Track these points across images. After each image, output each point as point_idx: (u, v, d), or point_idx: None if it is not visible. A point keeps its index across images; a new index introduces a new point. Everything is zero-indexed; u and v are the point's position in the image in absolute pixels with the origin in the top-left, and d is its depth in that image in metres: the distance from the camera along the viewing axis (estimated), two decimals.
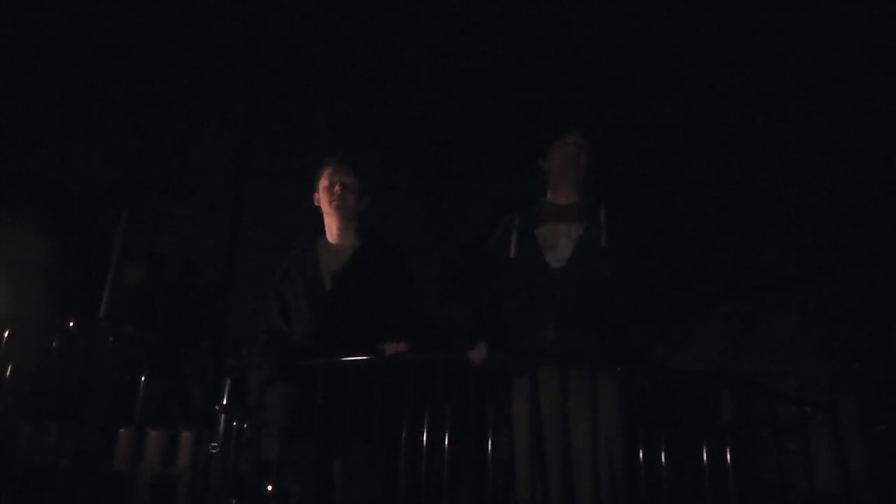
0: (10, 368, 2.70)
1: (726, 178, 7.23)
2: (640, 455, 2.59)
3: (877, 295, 6.40)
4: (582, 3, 6.32)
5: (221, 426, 2.81)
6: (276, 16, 6.15)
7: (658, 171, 7.24)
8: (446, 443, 3.14)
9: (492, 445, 2.72)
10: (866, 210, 6.82)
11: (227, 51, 6.48)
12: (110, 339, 2.70)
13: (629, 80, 6.84)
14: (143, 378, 2.81)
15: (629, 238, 2.77)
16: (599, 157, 2.97)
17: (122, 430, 3.45)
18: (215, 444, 2.85)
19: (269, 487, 2.83)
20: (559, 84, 6.79)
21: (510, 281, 2.81)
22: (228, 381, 2.86)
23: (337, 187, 2.92)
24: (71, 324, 2.70)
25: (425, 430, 2.97)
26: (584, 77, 6.78)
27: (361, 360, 2.65)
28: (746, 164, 7.15)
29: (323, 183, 2.98)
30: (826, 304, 6.78)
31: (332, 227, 2.98)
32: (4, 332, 2.71)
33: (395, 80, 6.42)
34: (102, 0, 6.19)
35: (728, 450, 2.67)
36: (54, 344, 2.77)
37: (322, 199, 2.97)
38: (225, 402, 2.87)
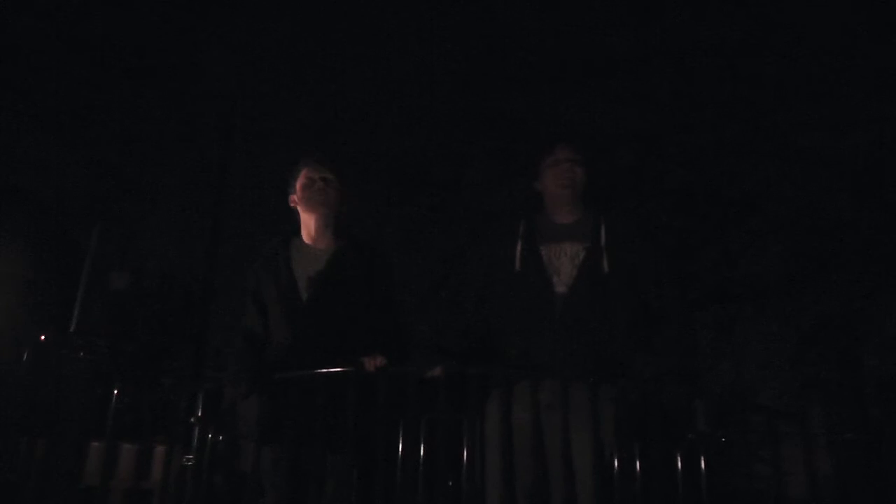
0: None
1: (704, 188, 7.29)
2: (615, 464, 2.59)
3: (851, 304, 6.47)
4: (562, 15, 6.38)
5: (196, 439, 2.78)
6: (256, 29, 6.15)
7: (636, 181, 7.29)
8: (421, 453, 3.15)
9: (466, 456, 2.72)
10: (841, 221, 6.91)
11: (206, 62, 6.47)
12: (81, 353, 2.66)
13: (607, 90, 6.90)
14: (115, 391, 2.77)
15: (630, 261, 2.71)
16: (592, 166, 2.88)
17: (93, 444, 3.40)
18: (190, 458, 2.82)
19: (244, 498, 2.80)
20: (539, 94, 6.83)
21: (513, 295, 2.75)
22: (202, 394, 2.83)
23: (319, 183, 2.78)
24: (42, 337, 2.66)
25: (400, 441, 2.96)
26: (564, 87, 6.83)
27: (335, 371, 2.63)
28: (724, 174, 7.22)
29: (301, 181, 2.83)
30: (802, 312, 6.84)
31: (309, 227, 2.83)
32: None
33: (374, 91, 6.44)
34: (81, 11, 6.15)
35: (702, 458, 2.69)
36: (24, 357, 2.73)
37: (301, 197, 2.82)
38: (199, 414, 2.84)
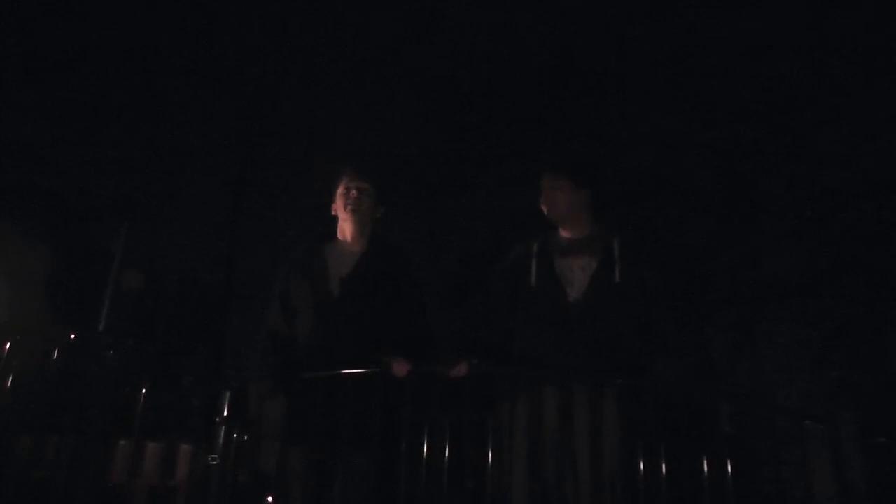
0: (10, 380, 2.70)
1: (725, 189, 7.24)
2: (641, 467, 2.59)
3: (875, 305, 6.40)
4: (583, 17, 6.36)
5: (221, 438, 2.80)
6: (278, 28, 6.18)
7: (657, 181, 7.26)
8: (446, 453, 3.15)
9: (491, 456, 2.73)
10: (864, 220, 6.84)
11: (227, 61, 6.51)
12: (110, 351, 2.69)
13: (629, 91, 6.88)
14: (142, 390, 2.80)
15: (642, 274, 2.78)
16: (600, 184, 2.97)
17: (120, 443, 3.44)
18: (215, 456, 2.85)
19: (270, 499, 2.82)
20: (560, 96, 6.82)
21: (529, 308, 2.83)
22: (228, 393, 2.86)
23: (353, 192, 2.99)
24: (71, 336, 2.69)
25: (425, 441, 2.98)
26: (585, 89, 6.82)
27: (361, 372, 2.65)
28: (745, 175, 7.17)
29: (340, 190, 3.05)
30: (825, 314, 6.78)
31: (345, 232, 3.03)
32: (5, 343, 2.71)
33: (396, 94, 6.45)
34: (103, 11, 6.21)
35: (727, 462, 2.68)
36: (54, 356, 2.76)
37: (338, 205, 3.04)
38: (224, 413, 2.86)
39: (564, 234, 2.93)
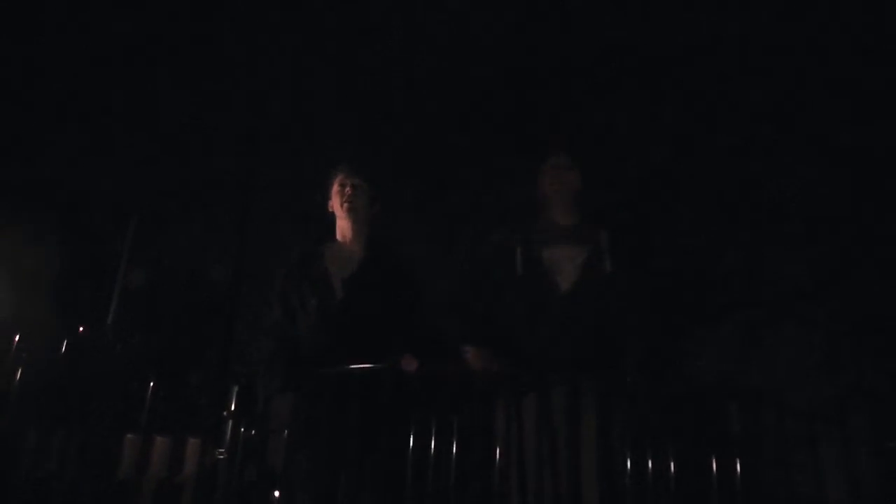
0: (18, 374, 2.71)
1: (733, 190, 7.21)
2: (650, 466, 2.58)
3: (887, 307, 6.36)
4: (588, 12, 6.34)
5: (228, 433, 2.81)
6: (283, 25, 6.18)
7: (662, 181, 7.24)
8: (454, 452, 3.14)
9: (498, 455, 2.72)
10: (874, 221, 6.79)
11: (234, 58, 6.51)
12: (118, 346, 2.69)
13: (635, 89, 6.84)
14: (149, 385, 2.81)
15: (631, 263, 2.77)
16: (592, 173, 2.94)
17: (128, 437, 3.44)
18: (222, 451, 2.85)
19: (276, 494, 2.83)
20: (566, 93, 6.79)
21: (518, 299, 2.80)
22: (236, 389, 2.86)
23: (348, 188, 2.96)
24: (80, 330, 2.69)
25: (433, 440, 2.98)
26: (591, 86, 6.79)
27: (369, 368, 2.64)
28: (753, 176, 7.13)
29: (334, 188, 3.02)
30: (834, 316, 6.74)
31: (344, 231, 3.01)
32: (14, 338, 2.71)
33: (402, 90, 6.43)
34: (111, 7, 6.23)
35: (737, 462, 2.66)
36: (62, 350, 2.77)
37: (334, 203, 3.01)
38: (232, 409, 2.87)
39: (552, 220, 2.87)
